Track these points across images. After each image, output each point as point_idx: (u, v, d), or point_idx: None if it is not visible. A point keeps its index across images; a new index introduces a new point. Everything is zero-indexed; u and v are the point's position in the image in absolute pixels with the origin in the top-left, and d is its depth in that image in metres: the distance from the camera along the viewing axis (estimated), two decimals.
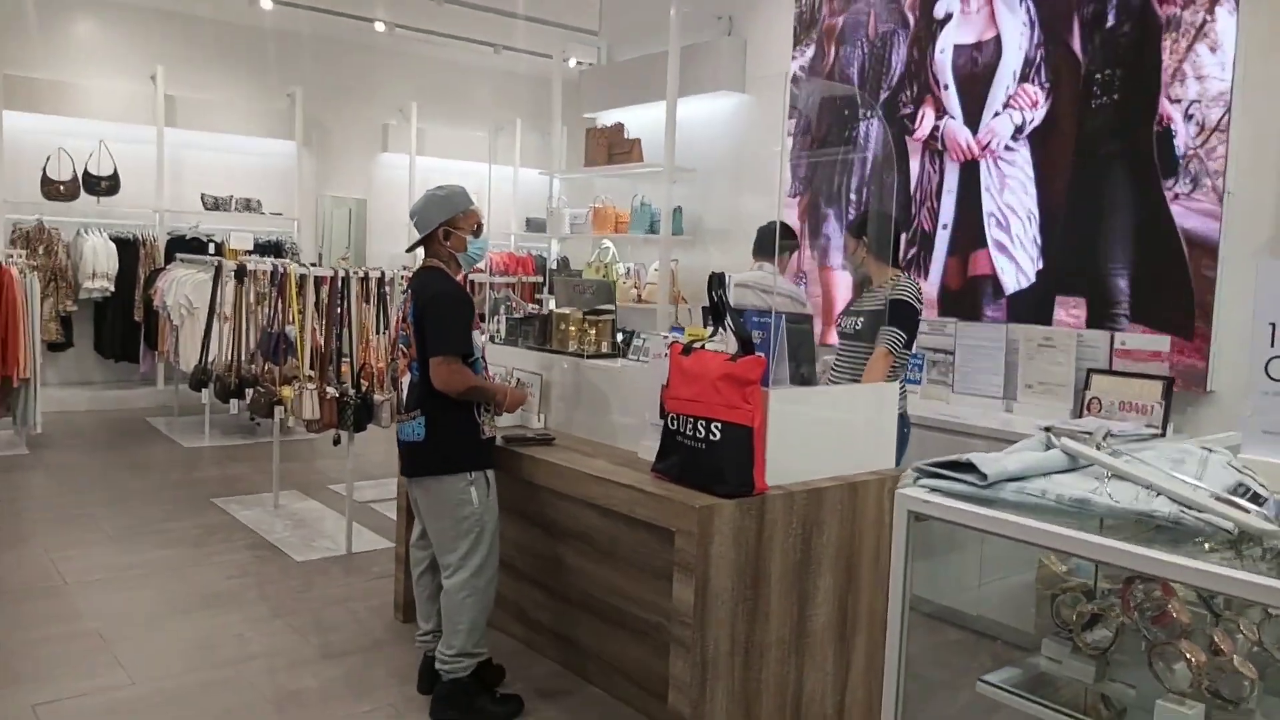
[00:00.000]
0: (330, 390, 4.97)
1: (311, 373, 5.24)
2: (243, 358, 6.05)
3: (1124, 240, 4.48)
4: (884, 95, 5.57)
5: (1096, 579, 1.92)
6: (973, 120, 5.12)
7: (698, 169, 6.83)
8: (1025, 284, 4.88)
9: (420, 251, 3.46)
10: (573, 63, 9.16)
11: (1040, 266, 4.81)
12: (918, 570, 1.90)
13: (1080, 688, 1.81)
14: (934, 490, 1.72)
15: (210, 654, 3.72)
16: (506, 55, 10.25)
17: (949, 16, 5.25)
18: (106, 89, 8.83)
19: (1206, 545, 1.49)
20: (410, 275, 3.55)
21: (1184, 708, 1.49)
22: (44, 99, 8.51)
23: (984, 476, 1.65)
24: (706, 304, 3.33)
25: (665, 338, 3.46)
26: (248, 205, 9.45)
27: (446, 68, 10.71)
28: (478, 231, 3.38)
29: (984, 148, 5.05)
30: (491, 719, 3.26)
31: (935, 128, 5.29)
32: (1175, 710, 1.49)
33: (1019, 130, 4.91)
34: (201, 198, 9.25)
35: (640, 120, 7.27)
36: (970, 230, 5.12)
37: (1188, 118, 4.25)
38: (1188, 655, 1.51)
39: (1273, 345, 1.99)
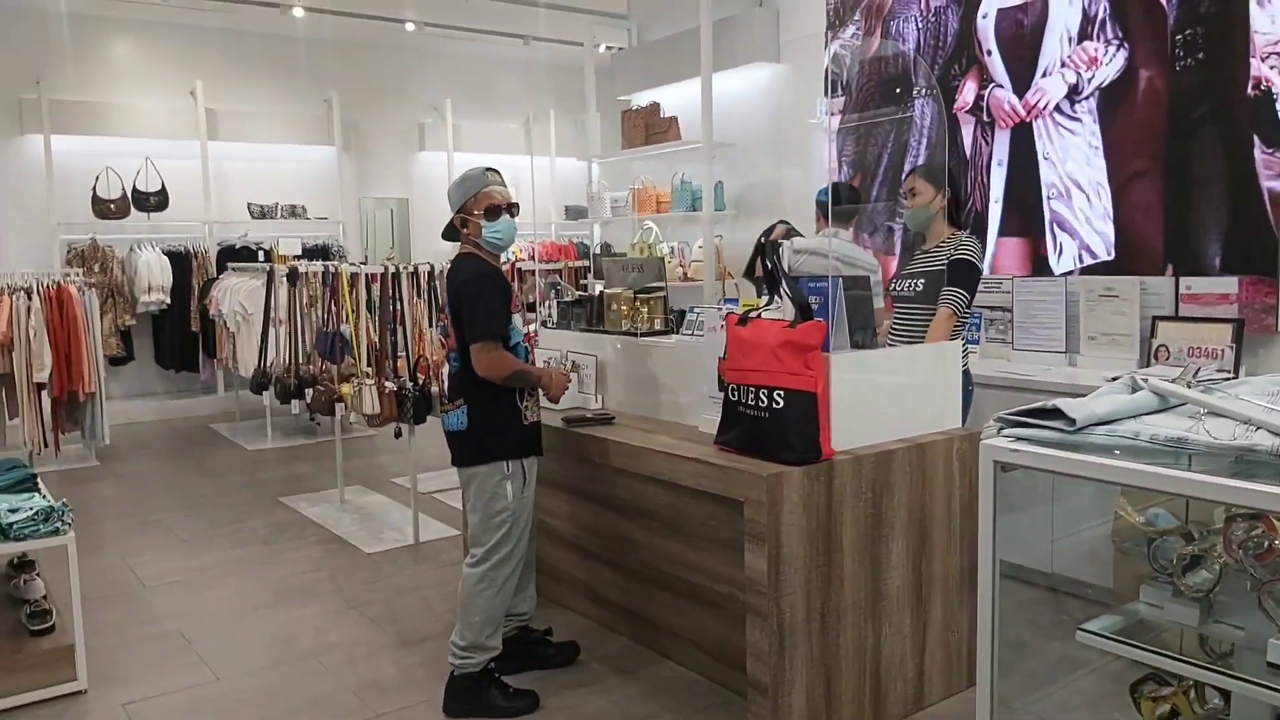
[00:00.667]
0: (389, 385, 5.02)
1: (369, 369, 5.29)
2: (300, 359, 6.13)
3: (1218, 212, 4.27)
4: (937, 70, 5.44)
5: (1187, 521, 1.87)
6: (1021, 86, 4.96)
7: (736, 143, 6.77)
8: (1092, 261, 4.68)
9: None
10: (603, 48, 9.12)
11: (1115, 240, 4.62)
12: None
13: (1179, 632, 1.76)
14: (1019, 439, 1.68)
15: (290, 647, 3.78)
16: (536, 46, 10.23)
17: None
18: (148, 107, 8.98)
19: None
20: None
21: None
22: (89, 121, 8.68)
23: (1072, 421, 1.62)
24: (759, 274, 3.30)
25: (720, 310, 3.44)
26: (293, 211, 9.57)
27: (477, 63, 10.74)
28: (492, 214, 3.19)
29: (1033, 109, 4.89)
30: (502, 714, 3.18)
31: (980, 96, 5.16)
32: None
33: (1075, 91, 4.74)
34: (248, 207, 9.38)
35: (675, 99, 7.22)
36: (1025, 205, 4.96)
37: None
38: None
39: None
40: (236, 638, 3.89)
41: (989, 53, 5.11)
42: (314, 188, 9.85)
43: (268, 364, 6.66)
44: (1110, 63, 4.61)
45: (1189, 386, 1.67)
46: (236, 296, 7.66)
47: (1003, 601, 1.98)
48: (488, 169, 3.29)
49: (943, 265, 3.76)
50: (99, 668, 3.55)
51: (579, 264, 9.92)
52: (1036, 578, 2.50)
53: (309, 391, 5.65)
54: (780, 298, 3.05)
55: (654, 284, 4.11)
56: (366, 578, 4.55)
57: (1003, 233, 5.07)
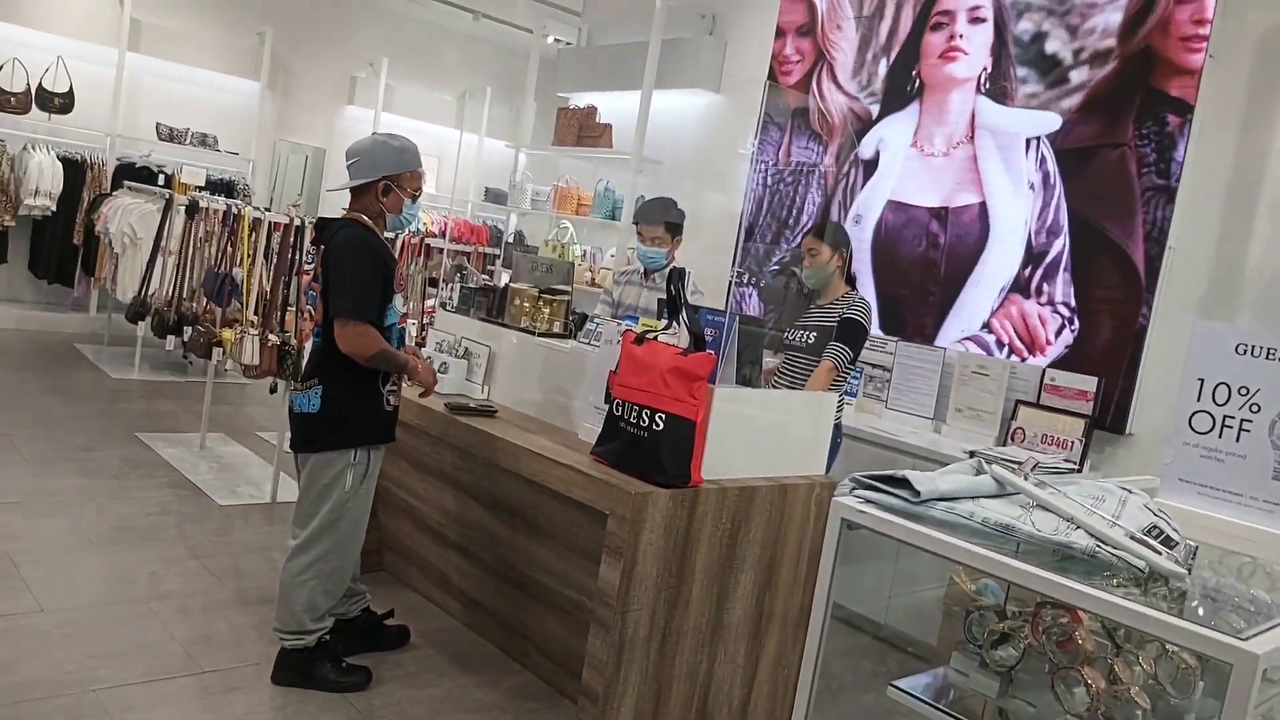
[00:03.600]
0: (272, 338, 4.91)
1: (254, 318, 5.16)
2: (184, 295, 5.93)
3: None
4: None
5: (1006, 600, 2.02)
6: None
7: (664, 161, 6.88)
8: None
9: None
10: (551, 39, 9.13)
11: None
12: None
13: (982, 701, 1.90)
14: (868, 501, 1.79)
15: (122, 588, 3.67)
16: (485, 23, 10.15)
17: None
18: (69, 3, 8.54)
19: (1115, 580, 1.59)
20: (319, 224, 3.20)
21: None
22: (1, 6, 8.20)
23: (917, 493, 1.73)
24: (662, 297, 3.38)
25: (620, 324, 3.51)
26: (203, 140, 9.23)
27: (422, 27, 10.58)
28: (416, 196, 3.19)
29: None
30: (333, 688, 3.13)
31: None
32: None
33: None
34: (156, 127, 9.00)
35: (613, 106, 7.30)
36: None
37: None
38: (1088, 681, 1.61)
39: (1198, 400, 2.11)
40: (68, 570, 3.75)
41: None
42: (230, 120, 9.52)
43: (149, 294, 6.41)
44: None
45: (1026, 477, 1.81)
46: (128, 218, 7.34)
47: (832, 646, 2.10)
48: None
49: (834, 322, 3.92)
50: None
51: (489, 250, 9.88)
52: (869, 626, 2.64)
53: (188, 330, 5.48)
54: (678, 324, 3.14)
55: (560, 286, 4.15)
56: (214, 529, 4.44)
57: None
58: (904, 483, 1.73)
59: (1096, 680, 1.61)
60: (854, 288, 4.11)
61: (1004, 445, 4.45)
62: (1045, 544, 1.63)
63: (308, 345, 3.15)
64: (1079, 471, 4.05)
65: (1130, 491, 1.81)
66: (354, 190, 3.14)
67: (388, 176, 3.10)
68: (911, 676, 1.88)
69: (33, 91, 8.29)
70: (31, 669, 2.99)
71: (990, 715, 1.95)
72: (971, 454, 2.21)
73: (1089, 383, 4.40)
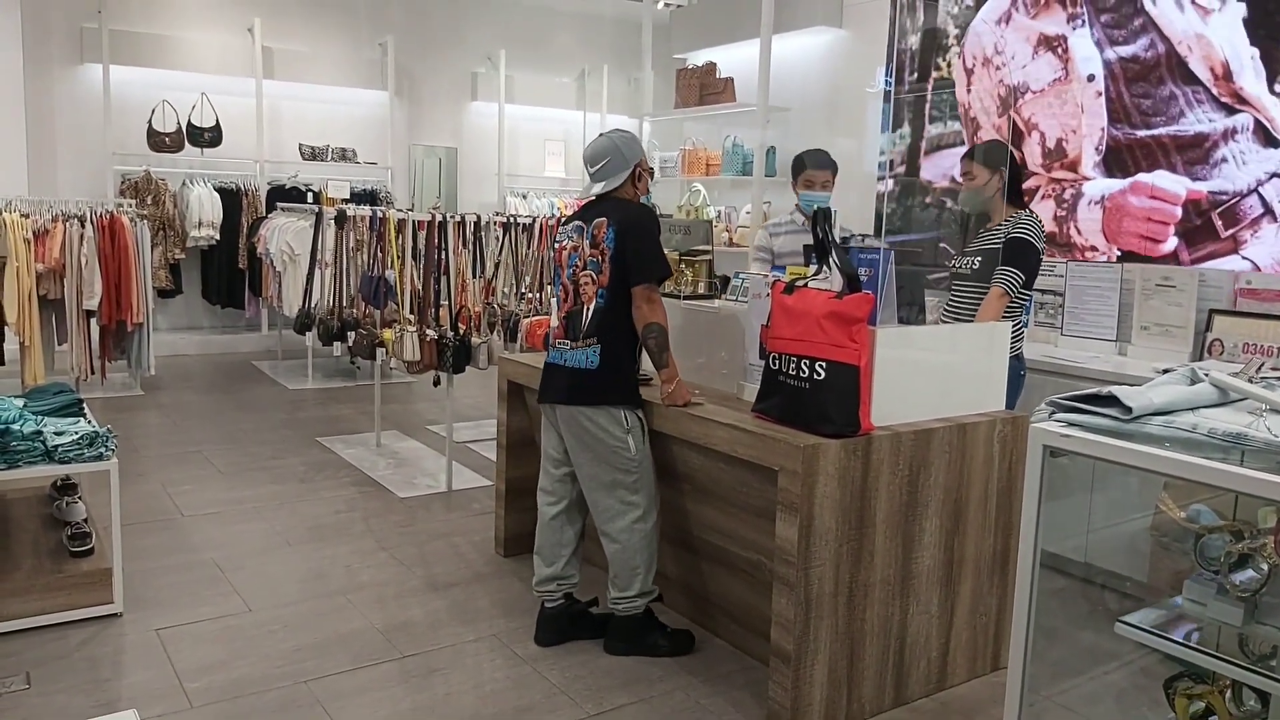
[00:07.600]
0: (430, 333, 5.04)
1: (411, 316, 5.31)
2: (344, 302, 6.17)
3: None
4: None
5: (1234, 520, 1.82)
6: None
7: (792, 108, 6.67)
8: None
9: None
10: (661, 4, 8.99)
11: None
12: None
13: (1217, 629, 1.72)
14: (1071, 425, 1.64)
15: (321, 583, 3.85)
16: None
17: None
18: (207, 42, 9.01)
19: None
20: (583, 205, 3.39)
21: None
22: (147, 53, 8.73)
23: (1128, 410, 1.57)
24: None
25: (766, 276, 3.40)
26: (343, 155, 9.60)
27: (534, 14, 10.64)
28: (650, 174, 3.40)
29: None
30: (660, 653, 3.29)
31: None
32: None
33: None
34: (299, 148, 9.42)
35: (732, 59, 7.12)
36: None
37: None
38: None
39: None
40: (269, 571, 3.96)
41: None
42: (365, 132, 9.87)
43: (312, 305, 6.71)
44: None
45: (1251, 381, 1.62)
46: (284, 236, 7.71)
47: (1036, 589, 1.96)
48: None
49: (999, 244, 3.68)
50: (135, 592, 3.63)
51: None
52: (1070, 566, 2.46)
53: (351, 334, 5.69)
54: (829, 268, 3.01)
55: (700, 247, 4.07)
56: (398, 521, 4.61)
57: None
58: (1111, 400, 1.57)
59: None
60: (1022, 207, 3.82)
61: (1200, 360, 4.10)
62: None
63: (590, 308, 3.24)
64: None
65: None
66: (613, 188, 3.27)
67: (638, 164, 3.27)
68: (1138, 611, 1.71)
69: (183, 129, 8.81)
70: (246, 666, 3.16)
71: (1229, 646, 1.77)
72: (1165, 372, 2.01)
73: None
